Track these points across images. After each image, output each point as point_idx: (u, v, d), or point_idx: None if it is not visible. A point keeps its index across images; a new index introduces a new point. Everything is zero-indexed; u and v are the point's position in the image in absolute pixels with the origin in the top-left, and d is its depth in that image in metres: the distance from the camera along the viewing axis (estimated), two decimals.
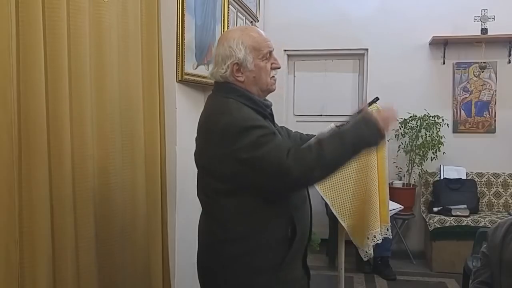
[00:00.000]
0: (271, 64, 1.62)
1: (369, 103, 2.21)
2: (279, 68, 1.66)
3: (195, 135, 1.73)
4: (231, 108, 1.52)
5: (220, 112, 1.53)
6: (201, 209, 1.82)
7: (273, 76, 1.64)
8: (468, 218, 4.19)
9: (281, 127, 1.82)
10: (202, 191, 1.65)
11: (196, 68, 2.71)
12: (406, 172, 4.63)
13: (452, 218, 4.20)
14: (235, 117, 1.49)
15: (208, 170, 1.58)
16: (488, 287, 1.85)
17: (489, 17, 4.47)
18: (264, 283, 1.54)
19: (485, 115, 4.71)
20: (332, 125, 2.22)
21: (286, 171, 1.41)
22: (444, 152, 4.52)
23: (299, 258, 1.66)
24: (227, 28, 3.06)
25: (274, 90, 1.68)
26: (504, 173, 4.62)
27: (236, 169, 1.48)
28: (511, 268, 1.75)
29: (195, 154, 1.66)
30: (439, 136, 4.49)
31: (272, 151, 1.43)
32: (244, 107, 1.55)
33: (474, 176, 4.62)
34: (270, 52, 1.62)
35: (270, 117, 1.66)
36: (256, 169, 1.46)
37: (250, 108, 1.56)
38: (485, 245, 1.94)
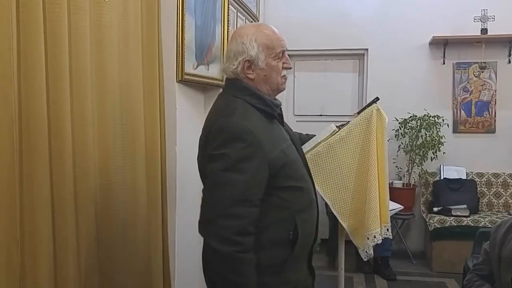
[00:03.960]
0: (283, 63, 1.60)
1: (369, 103, 2.21)
2: (290, 68, 1.63)
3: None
4: (234, 112, 1.49)
5: (224, 114, 1.51)
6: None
7: (284, 76, 1.62)
8: (468, 218, 4.19)
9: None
10: None
11: (196, 68, 2.71)
12: (406, 172, 4.63)
13: (452, 218, 4.20)
14: (232, 121, 1.46)
15: (203, 171, 1.58)
16: (486, 282, 1.88)
17: (489, 17, 4.48)
18: (266, 283, 1.53)
19: (485, 115, 4.71)
20: (332, 125, 2.23)
21: (212, 219, 1.40)
22: (444, 152, 4.52)
23: (304, 260, 1.64)
24: (227, 28, 3.06)
25: (284, 89, 1.66)
26: (504, 173, 4.62)
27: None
28: (508, 264, 1.77)
29: (197, 156, 1.65)
30: (439, 136, 4.49)
31: (230, 187, 1.40)
32: (251, 112, 1.52)
33: (474, 176, 4.63)
34: (283, 52, 1.60)
35: (279, 117, 1.64)
36: (207, 179, 1.46)
37: (257, 110, 1.54)
38: (487, 243, 1.97)
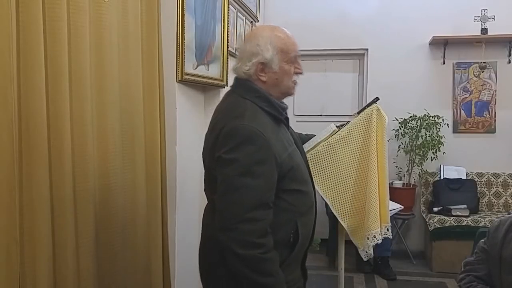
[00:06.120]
0: (295, 68, 1.61)
1: (369, 103, 2.21)
2: (301, 73, 1.65)
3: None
4: (244, 113, 1.49)
5: (234, 115, 1.50)
6: (200, 209, 1.82)
7: (294, 80, 1.63)
8: (468, 218, 4.19)
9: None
10: (209, 188, 1.62)
11: (196, 68, 2.71)
12: (406, 172, 4.63)
13: (452, 218, 4.20)
14: (243, 124, 1.46)
15: (210, 171, 1.58)
16: (484, 284, 1.83)
17: (489, 17, 4.47)
18: None
19: (485, 115, 4.71)
20: (332, 125, 2.23)
21: (232, 225, 1.40)
22: (444, 152, 4.52)
23: (298, 261, 1.67)
24: (227, 28, 3.06)
25: (293, 94, 1.67)
26: (504, 173, 4.62)
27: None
28: (510, 265, 1.73)
29: (203, 151, 1.64)
30: (439, 136, 4.49)
31: (246, 192, 1.41)
32: (260, 114, 1.52)
33: (474, 176, 4.63)
34: (296, 57, 1.61)
35: (285, 121, 1.65)
36: (221, 184, 1.45)
37: (266, 113, 1.54)
38: (483, 240, 1.90)
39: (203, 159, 1.64)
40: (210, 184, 1.59)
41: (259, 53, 1.55)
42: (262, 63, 1.55)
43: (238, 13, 3.50)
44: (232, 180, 1.42)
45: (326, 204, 2.24)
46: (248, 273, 1.42)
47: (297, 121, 4.99)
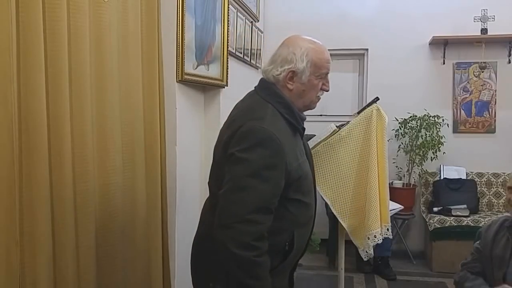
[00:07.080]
0: (323, 85, 1.63)
1: (369, 103, 2.22)
2: (327, 91, 1.67)
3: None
4: (265, 117, 1.50)
5: (254, 116, 1.51)
6: (200, 209, 1.82)
7: (318, 96, 1.65)
8: (468, 218, 4.19)
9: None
10: (215, 182, 1.62)
11: (196, 68, 2.71)
12: (406, 172, 4.63)
13: (452, 218, 4.20)
14: (262, 127, 1.46)
15: (219, 165, 1.58)
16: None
17: (489, 17, 4.47)
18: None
19: (485, 115, 4.71)
20: (332, 125, 2.23)
21: (231, 223, 1.40)
22: (444, 152, 4.52)
23: (288, 271, 1.68)
24: (227, 28, 3.06)
25: (314, 108, 1.69)
26: (504, 173, 4.61)
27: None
28: (500, 261, 1.89)
29: (215, 145, 1.65)
30: (439, 136, 4.49)
31: (253, 194, 1.41)
32: (279, 120, 1.54)
33: (474, 176, 4.63)
34: (327, 74, 1.63)
35: (301, 131, 1.66)
36: (228, 182, 1.45)
37: (284, 120, 1.55)
38: (478, 242, 2.05)
39: (213, 152, 1.65)
40: (216, 179, 1.59)
41: (292, 61, 1.57)
42: (292, 72, 1.57)
43: (238, 13, 3.50)
44: (240, 180, 1.43)
45: (326, 204, 2.24)
46: (237, 272, 1.43)
47: None
